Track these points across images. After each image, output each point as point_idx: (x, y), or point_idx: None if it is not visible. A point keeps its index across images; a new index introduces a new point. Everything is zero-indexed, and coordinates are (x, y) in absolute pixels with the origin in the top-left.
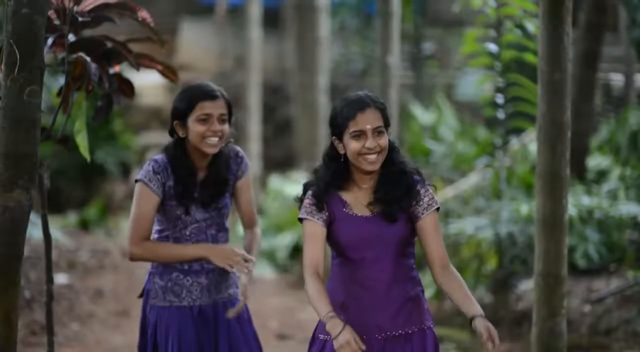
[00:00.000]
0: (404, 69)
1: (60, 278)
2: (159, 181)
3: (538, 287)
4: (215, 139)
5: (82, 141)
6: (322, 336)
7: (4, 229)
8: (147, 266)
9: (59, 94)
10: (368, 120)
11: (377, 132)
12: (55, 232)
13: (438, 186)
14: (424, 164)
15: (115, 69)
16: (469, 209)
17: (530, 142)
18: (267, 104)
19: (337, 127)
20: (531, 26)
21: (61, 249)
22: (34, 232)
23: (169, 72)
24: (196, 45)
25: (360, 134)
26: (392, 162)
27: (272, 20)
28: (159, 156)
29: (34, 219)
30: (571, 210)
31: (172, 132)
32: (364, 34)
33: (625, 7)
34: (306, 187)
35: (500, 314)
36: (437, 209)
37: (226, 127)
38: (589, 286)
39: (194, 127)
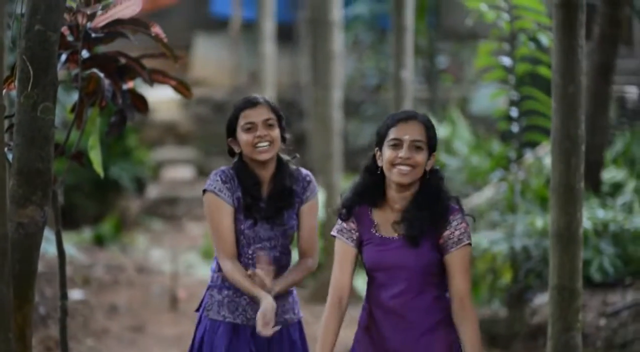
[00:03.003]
0: (418, 83)
1: (75, 294)
2: (228, 190)
3: (553, 301)
4: (264, 144)
5: (95, 157)
6: None
7: (18, 245)
8: (161, 281)
9: (72, 110)
10: (408, 130)
11: (415, 145)
12: (70, 248)
13: None
14: None
15: (129, 84)
16: (484, 222)
17: (544, 155)
18: None
19: (380, 135)
20: (545, 39)
21: (76, 265)
22: (49, 248)
23: (182, 87)
24: (210, 60)
25: (397, 143)
26: (429, 186)
27: (286, 34)
28: (226, 167)
29: (49, 235)
30: (586, 223)
31: (230, 152)
32: (378, 48)
33: (639, 19)
34: (342, 199)
35: (515, 328)
36: (469, 244)
37: (275, 132)
38: (604, 299)
39: (242, 137)
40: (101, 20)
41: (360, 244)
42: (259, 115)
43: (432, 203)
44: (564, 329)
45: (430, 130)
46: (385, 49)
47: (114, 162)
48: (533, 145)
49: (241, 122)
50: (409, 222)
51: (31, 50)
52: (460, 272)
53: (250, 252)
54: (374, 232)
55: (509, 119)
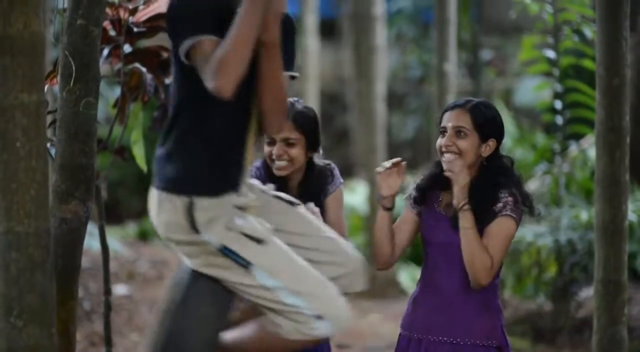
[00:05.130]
0: (461, 76)
1: (119, 289)
2: None
3: (598, 294)
4: (280, 163)
5: (138, 152)
6: (400, 330)
7: (62, 240)
8: None
9: (115, 104)
10: (451, 118)
11: (458, 131)
12: (115, 243)
13: None
14: None
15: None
16: (529, 216)
17: (589, 148)
18: (325, 113)
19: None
20: (589, 32)
21: (120, 260)
22: (93, 243)
23: None
24: None
25: (443, 131)
26: (488, 172)
27: (329, 29)
28: (260, 163)
29: (93, 230)
30: (631, 216)
31: None
32: (421, 42)
33: None
34: (416, 184)
35: (560, 322)
36: (509, 216)
37: (294, 151)
38: None
39: (264, 147)
40: (143, 14)
41: (421, 216)
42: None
43: (485, 189)
44: (610, 323)
45: (478, 116)
46: (428, 44)
47: None
48: (577, 137)
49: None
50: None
51: (73, 45)
52: (491, 238)
53: None
54: (436, 207)
55: (553, 111)
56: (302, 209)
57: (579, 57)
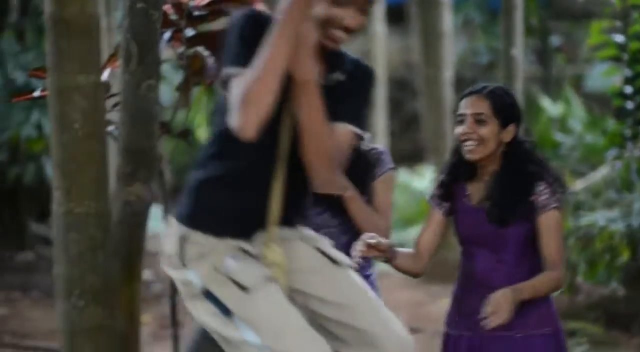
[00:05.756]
0: (529, 63)
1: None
2: None
3: None
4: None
5: (203, 136)
6: (446, 329)
7: (126, 223)
8: None
9: (178, 88)
10: (469, 105)
11: (477, 119)
12: None
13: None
14: (552, 157)
15: None
16: (600, 201)
17: None
18: (394, 98)
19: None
20: None
21: None
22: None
23: None
24: None
25: (462, 119)
26: (513, 158)
27: (396, 15)
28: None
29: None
30: None
31: None
32: (488, 28)
33: None
34: (438, 179)
35: (634, 308)
36: (555, 208)
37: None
38: None
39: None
40: None
41: (450, 213)
42: None
43: (513, 178)
44: None
45: (496, 102)
46: (496, 30)
47: None
48: None
49: None
50: (492, 202)
51: (134, 28)
52: (547, 237)
53: None
54: (465, 201)
55: (624, 96)
56: (349, 272)
57: None
